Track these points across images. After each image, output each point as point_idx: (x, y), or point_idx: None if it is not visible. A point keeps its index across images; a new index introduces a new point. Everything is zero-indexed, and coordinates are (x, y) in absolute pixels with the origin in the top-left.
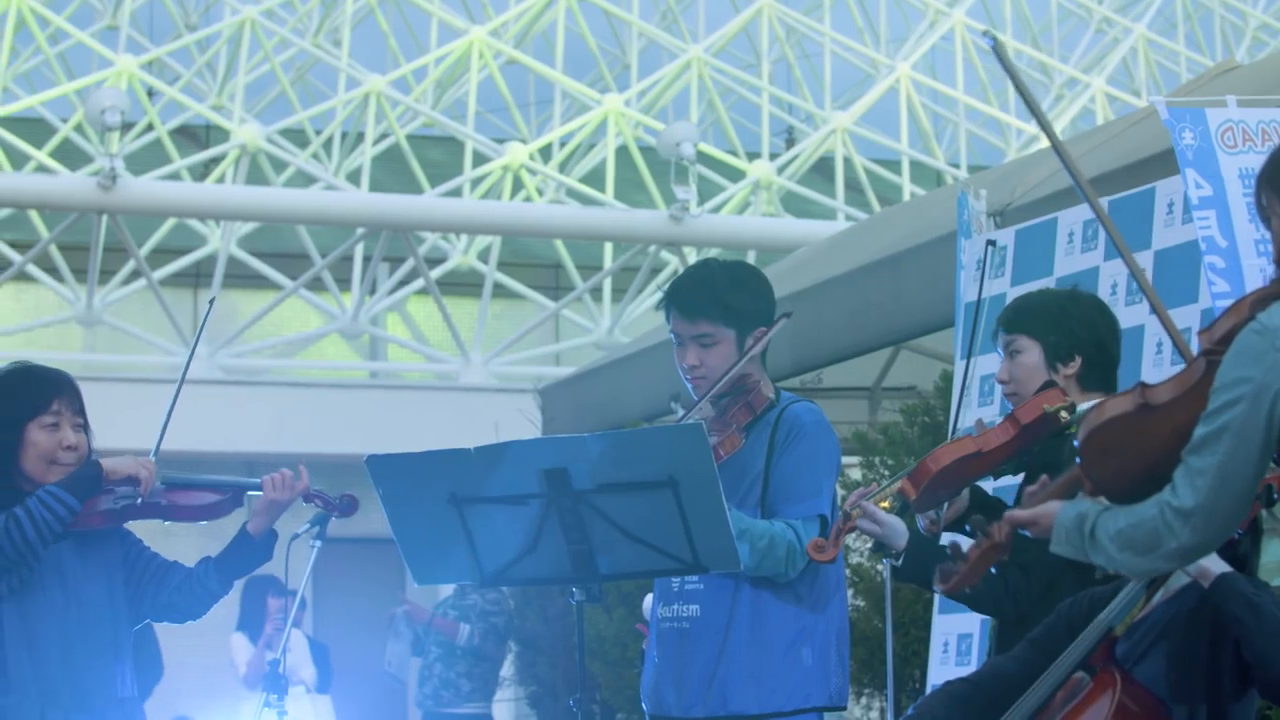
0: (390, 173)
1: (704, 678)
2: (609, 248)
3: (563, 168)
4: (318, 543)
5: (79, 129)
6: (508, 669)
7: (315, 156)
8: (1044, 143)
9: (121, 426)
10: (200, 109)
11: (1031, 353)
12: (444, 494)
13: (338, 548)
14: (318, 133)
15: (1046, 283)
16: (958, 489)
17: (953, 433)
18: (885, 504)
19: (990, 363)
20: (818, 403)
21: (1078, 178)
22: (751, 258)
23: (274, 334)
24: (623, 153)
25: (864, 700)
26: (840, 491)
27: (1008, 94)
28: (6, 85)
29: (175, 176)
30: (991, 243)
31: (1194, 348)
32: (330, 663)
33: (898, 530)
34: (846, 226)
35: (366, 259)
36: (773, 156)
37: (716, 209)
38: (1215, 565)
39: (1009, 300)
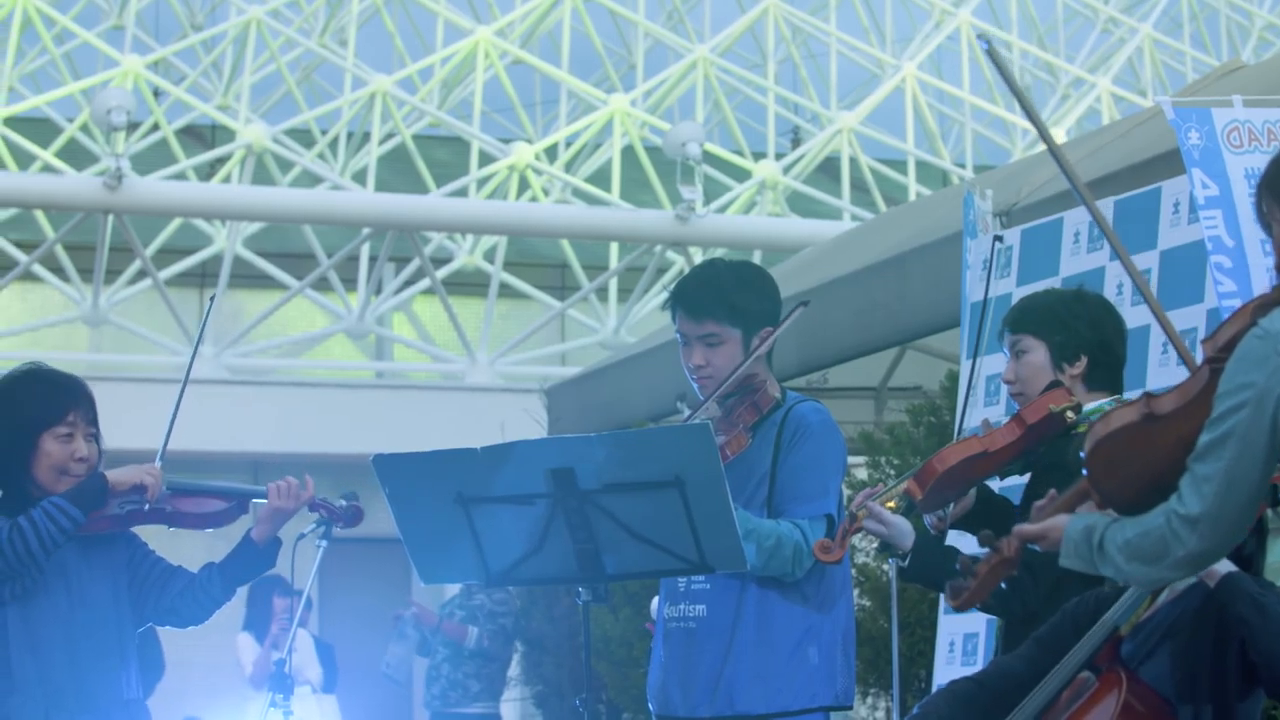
0: (396, 173)
1: (710, 677)
2: (615, 248)
3: (568, 168)
4: (323, 542)
5: (85, 129)
6: (514, 669)
7: (321, 156)
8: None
9: (127, 426)
10: (206, 109)
11: (1037, 353)
12: (450, 494)
13: (343, 547)
14: (323, 133)
15: (1052, 283)
16: (964, 489)
17: (959, 433)
18: (891, 504)
19: (996, 362)
20: (823, 403)
21: (1075, 182)
22: (757, 258)
23: (280, 334)
24: (628, 153)
25: (870, 700)
26: (846, 492)
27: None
28: (12, 85)
29: (181, 176)
30: (999, 238)
31: (1197, 355)
32: (336, 662)
33: (904, 531)
34: (852, 226)
35: (372, 259)
36: (778, 156)
37: (722, 209)
38: (1221, 565)
39: (1015, 300)
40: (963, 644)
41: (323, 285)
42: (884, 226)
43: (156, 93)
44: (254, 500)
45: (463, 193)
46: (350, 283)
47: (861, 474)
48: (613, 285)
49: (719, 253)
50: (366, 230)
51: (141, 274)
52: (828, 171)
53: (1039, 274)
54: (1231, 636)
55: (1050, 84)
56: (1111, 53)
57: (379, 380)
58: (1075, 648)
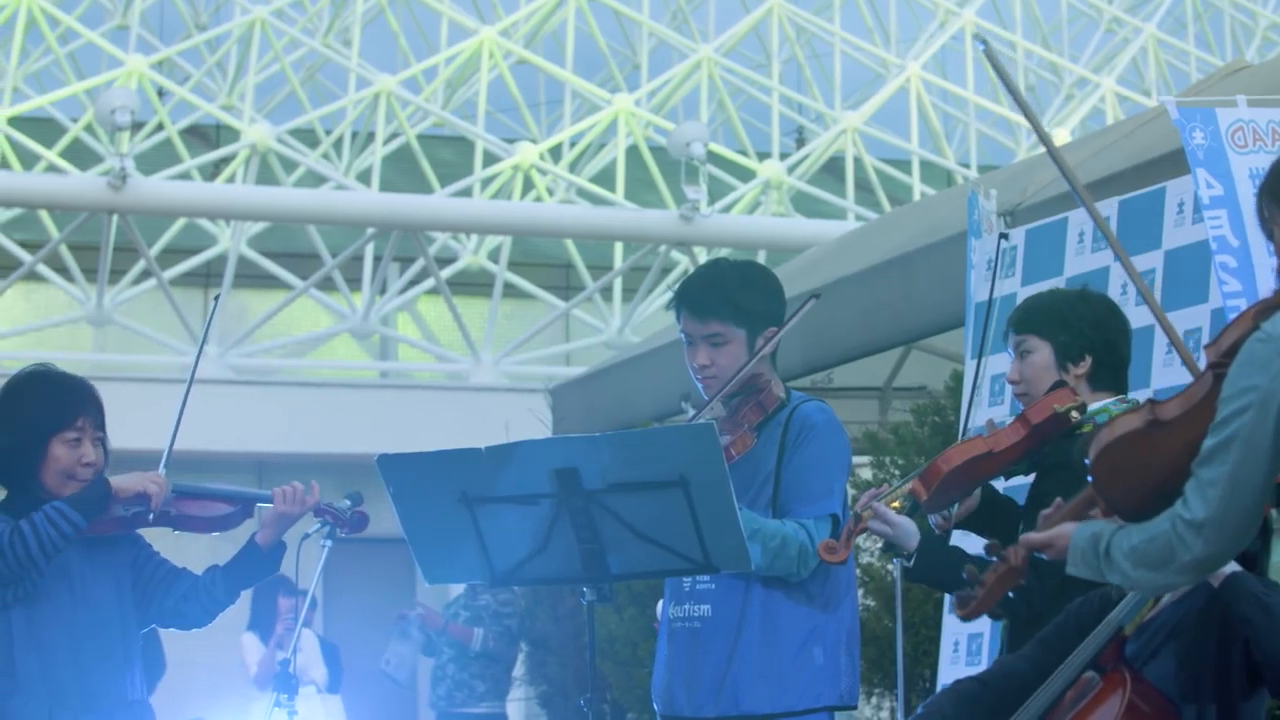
0: (400, 172)
1: (715, 677)
2: (619, 247)
3: (573, 168)
4: (328, 542)
5: (89, 129)
6: (518, 669)
7: (325, 156)
8: (1055, 143)
9: (132, 426)
10: (210, 109)
11: (1042, 353)
12: (455, 493)
13: (348, 547)
14: (328, 132)
15: (1056, 283)
16: (969, 489)
17: (963, 433)
18: (896, 504)
19: (1001, 362)
20: (828, 402)
21: (1074, 183)
22: (762, 258)
23: (284, 334)
24: (633, 152)
25: (874, 700)
26: (851, 492)
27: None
28: (17, 85)
29: (185, 176)
30: (1004, 236)
31: (1200, 357)
32: (341, 662)
33: (909, 531)
34: (857, 226)
35: (377, 259)
36: (783, 156)
37: (727, 209)
38: (1225, 565)
39: (1019, 300)
40: (967, 644)
41: (327, 285)
42: (888, 226)
43: (161, 92)
44: (259, 504)
45: (467, 193)
46: (355, 283)
47: (866, 474)
48: (617, 285)
49: (723, 253)
50: (371, 230)
51: (146, 274)
52: (832, 171)
53: (1043, 274)
54: (1236, 636)
55: (1054, 84)
56: (1116, 53)
57: (383, 380)
58: (1080, 647)
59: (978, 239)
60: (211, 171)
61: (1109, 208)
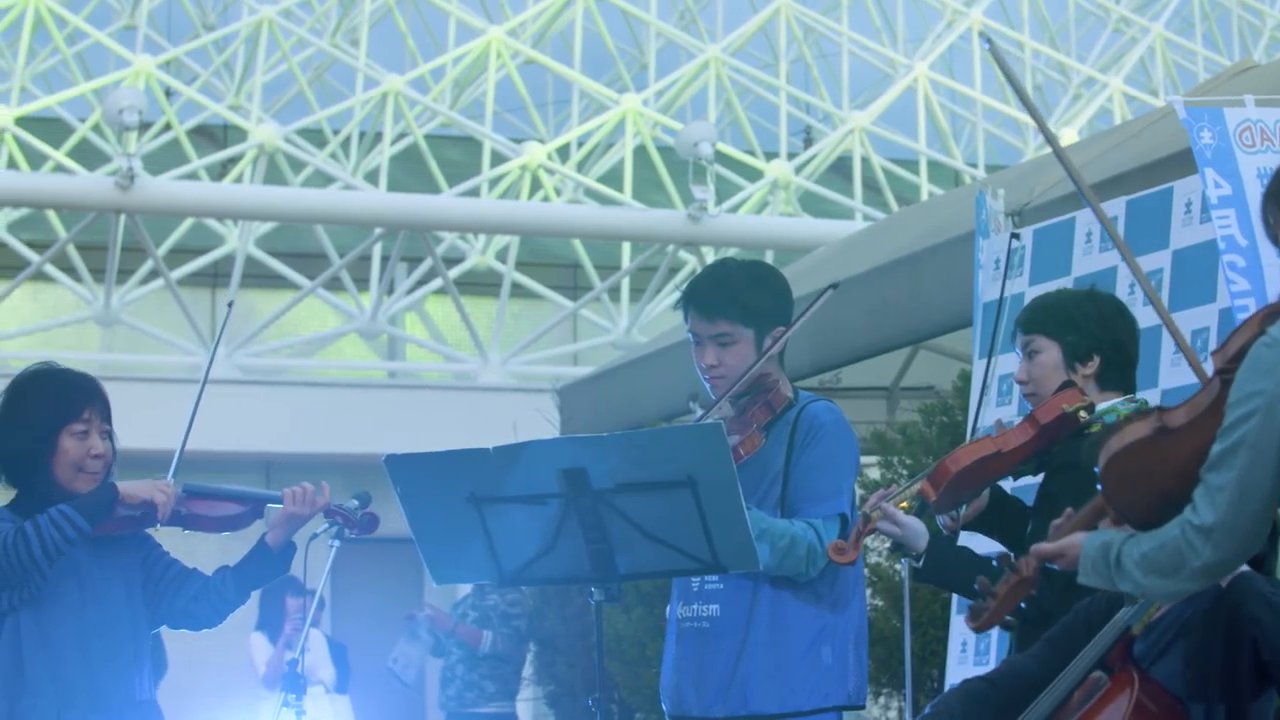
0: (408, 172)
1: (724, 677)
2: (627, 247)
3: (580, 167)
4: (336, 543)
5: (97, 129)
6: (526, 669)
7: (333, 156)
8: (1063, 143)
9: (139, 426)
10: (218, 109)
11: (1050, 353)
12: (463, 494)
13: (356, 547)
14: (335, 132)
15: (1064, 282)
16: (977, 489)
17: (972, 433)
18: (904, 505)
19: (1009, 362)
20: (836, 402)
21: (1080, 184)
22: (769, 257)
23: (292, 334)
24: (641, 152)
25: (882, 700)
26: (859, 492)
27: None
28: (25, 85)
29: (193, 176)
30: (1015, 235)
31: (1206, 360)
32: (349, 662)
33: (918, 532)
34: (864, 226)
35: (384, 259)
36: (791, 156)
37: (734, 209)
38: None
39: (1027, 300)
40: (975, 644)
41: (335, 285)
42: (896, 226)
43: (168, 92)
44: (269, 505)
45: (475, 193)
46: (362, 283)
47: (874, 474)
48: (625, 285)
49: (731, 252)
50: (379, 230)
51: (153, 274)
52: (840, 171)
53: (1051, 274)
54: (1244, 636)
55: (1062, 84)
56: (1123, 52)
57: (391, 380)
58: (1087, 647)
59: (985, 239)
60: (219, 171)
61: (1116, 207)
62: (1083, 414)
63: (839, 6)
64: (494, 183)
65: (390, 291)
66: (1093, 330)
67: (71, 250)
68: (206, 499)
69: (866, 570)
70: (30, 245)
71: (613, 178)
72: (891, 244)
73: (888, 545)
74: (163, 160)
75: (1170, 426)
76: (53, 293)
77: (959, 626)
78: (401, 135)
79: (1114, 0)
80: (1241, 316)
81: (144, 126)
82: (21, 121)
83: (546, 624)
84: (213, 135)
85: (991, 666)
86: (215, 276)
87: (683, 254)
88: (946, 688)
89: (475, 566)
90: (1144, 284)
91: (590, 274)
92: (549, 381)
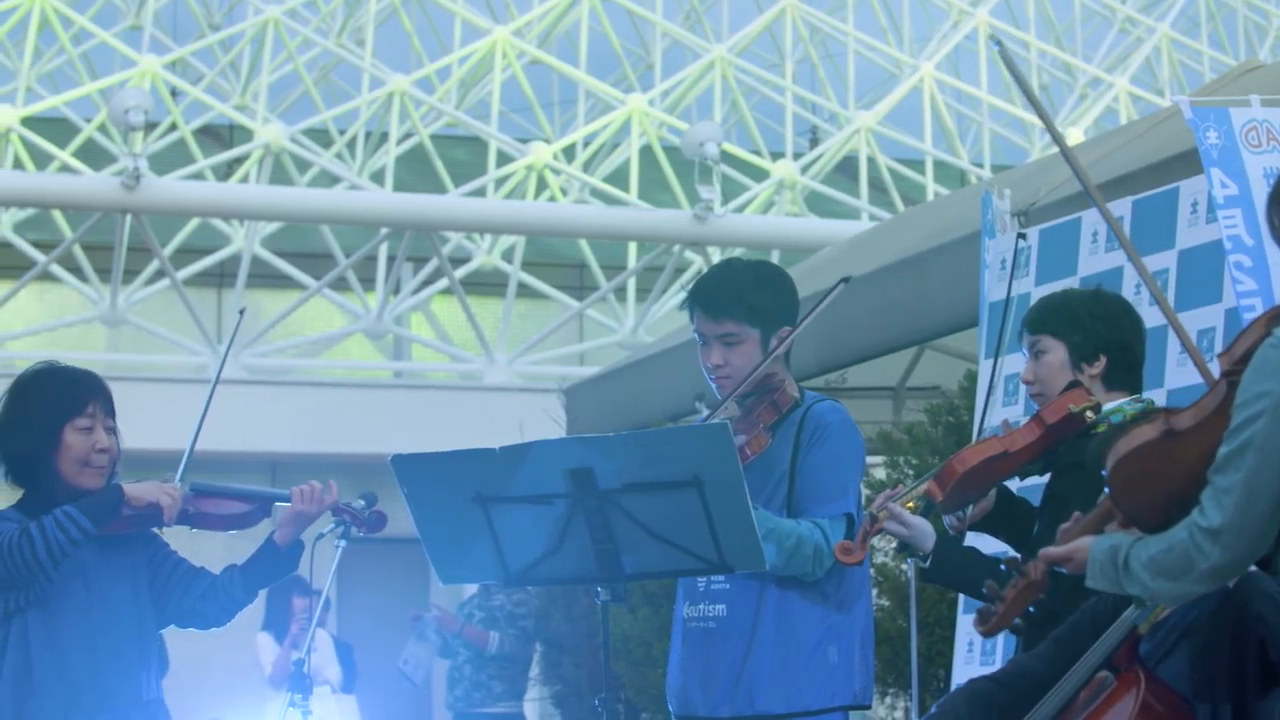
0: (414, 172)
1: (731, 677)
2: (633, 247)
3: (586, 167)
4: (342, 542)
5: (103, 129)
6: (533, 669)
7: (339, 156)
8: (1068, 142)
9: (144, 426)
10: (224, 109)
11: (1056, 353)
12: (469, 494)
13: (362, 547)
14: (341, 132)
15: (1070, 282)
16: (984, 490)
17: (978, 433)
18: (911, 505)
19: (1015, 362)
20: (842, 402)
21: (1086, 183)
22: (775, 257)
23: (298, 334)
24: (646, 152)
25: (889, 700)
26: (865, 492)
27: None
28: (30, 85)
29: (199, 176)
30: (1022, 235)
31: (1212, 361)
32: (355, 662)
33: (924, 532)
34: (870, 226)
35: (390, 259)
36: (796, 156)
37: (740, 209)
38: None
39: (1033, 300)
40: (981, 644)
41: (341, 285)
42: (902, 226)
43: (174, 92)
44: (277, 504)
45: (481, 192)
46: (368, 283)
47: (880, 474)
48: (631, 285)
49: (737, 252)
50: (384, 230)
51: (159, 274)
52: (846, 171)
53: (1057, 274)
54: (1250, 635)
55: (1068, 84)
56: (1129, 52)
57: (397, 380)
58: (1094, 647)
59: (992, 239)
60: (225, 171)
61: (1122, 207)
62: (1089, 414)
63: (845, 6)
64: (500, 183)
65: (396, 291)
66: (1099, 330)
67: (77, 250)
68: (214, 497)
69: (873, 570)
70: (36, 245)
71: (618, 178)
72: (897, 244)
73: (894, 545)
74: (168, 160)
75: (1177, 429)
76: (58, 293)
77: (965, 626)
78: (407, 135)
79: (1120, 0)
80: (1248, 316)
81: (150, 126)
82: (27, 122)
83: (553, 624)
84: (218, 135)
85: (997, 666)
86: (221, 276)
87: (689, 254)
88: (953, 687)
89: (481, 566)
90: (1150, 284)
91: (596, 274)
92: (555, 381)
